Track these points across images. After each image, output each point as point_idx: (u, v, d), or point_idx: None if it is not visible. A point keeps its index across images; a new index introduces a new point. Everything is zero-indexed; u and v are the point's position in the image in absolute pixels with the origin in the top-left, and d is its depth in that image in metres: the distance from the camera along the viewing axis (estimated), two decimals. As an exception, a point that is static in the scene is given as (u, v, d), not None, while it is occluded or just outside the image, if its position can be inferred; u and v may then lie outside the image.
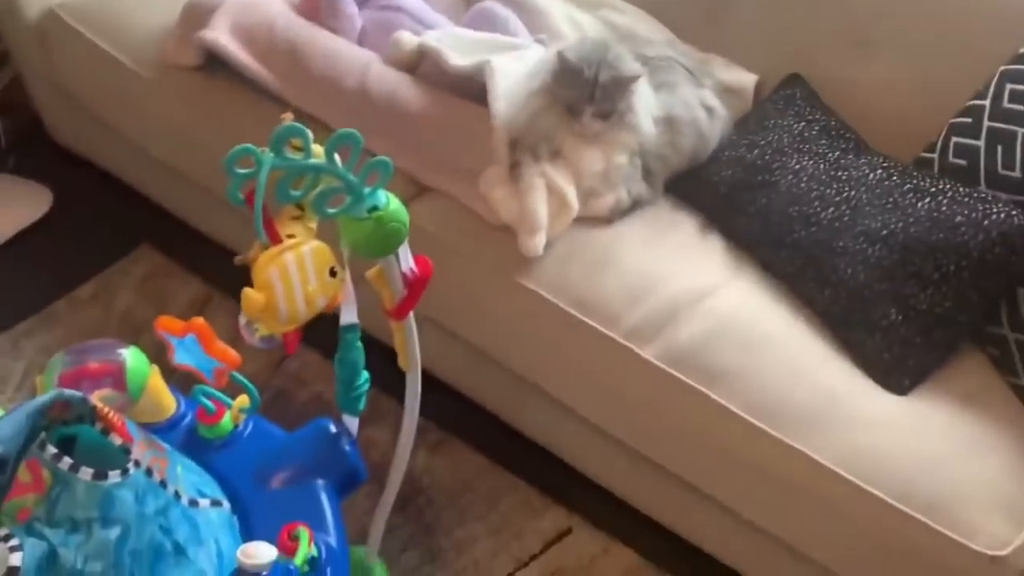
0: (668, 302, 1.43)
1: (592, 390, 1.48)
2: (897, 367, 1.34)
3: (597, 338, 1.42)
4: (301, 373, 1.91)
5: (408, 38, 1.71)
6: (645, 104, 1.54)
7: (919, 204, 1.40)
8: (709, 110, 1.62)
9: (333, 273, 1.06)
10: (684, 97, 1.61)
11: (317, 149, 1.01)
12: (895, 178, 1.46)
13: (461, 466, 1.76)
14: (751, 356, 1.36)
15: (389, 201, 1.07)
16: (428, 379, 1.79)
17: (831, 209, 1.44)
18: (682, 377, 1.36)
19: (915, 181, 1.44)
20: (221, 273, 1.90)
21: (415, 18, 1.79)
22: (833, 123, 1.61)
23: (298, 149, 1.00)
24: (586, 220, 1.54)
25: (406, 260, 1.16)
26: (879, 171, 1.48)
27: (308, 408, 1.85)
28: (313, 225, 1.13)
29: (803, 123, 1.60)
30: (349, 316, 1.17)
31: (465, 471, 1.75)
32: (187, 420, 1.30)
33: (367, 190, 1.05)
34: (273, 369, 1.91)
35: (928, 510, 1.22)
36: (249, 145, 0.95)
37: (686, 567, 1.61)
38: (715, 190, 1.57)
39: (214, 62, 1.78)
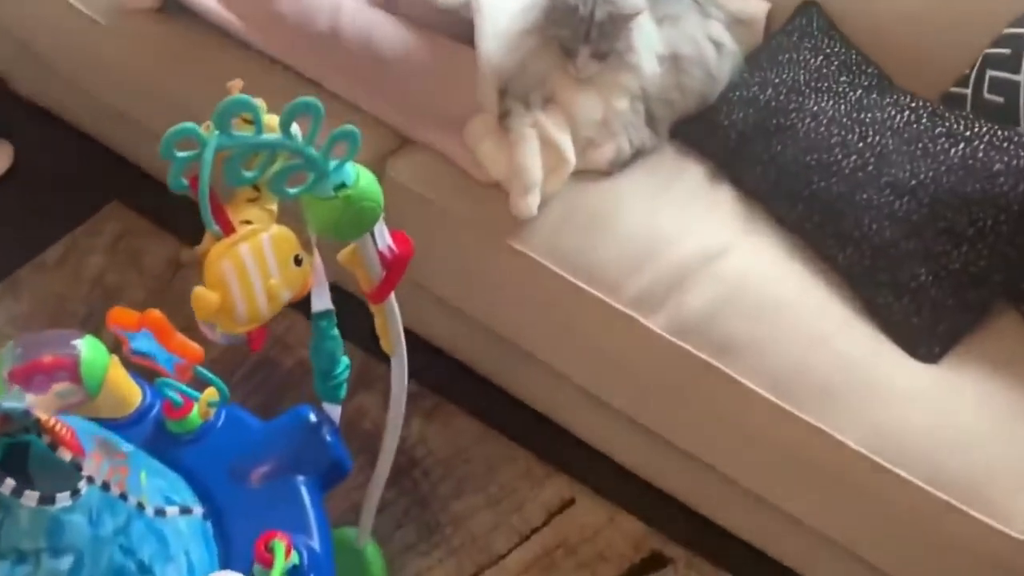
0: (674, 266, 1.30)
1: (593, 362, 1.37)
2: (926, 333, 1.23)
3: (598, 307, 1.30)
4: (286, 337, 1.80)
5: None
6: (647, 41, 1.39)
7: (952, 151, 1.26)
8: (718, 45, 1.47)
9: (299, 261, 0.94)
10: (690, 31, 1.45)
11: (271, 121, 0.88)
12: (924, 121, 1.32)
13: (457, 434, 1.66)
14: (765, 324, 1.25)
15: (359, 176, 0.94)
16: (418, 341, 1.70)
17: (853, 157, 1.31)
18: (691, 349, 1.25)
19: (947, 124, 1.30)
20: (198, 228, 1.78)
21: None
22: (853, 56, 1.46)
23: (249, 123, 0.87)
24: (584, 173, 1.41)
25: (383, 238, 1.04)
26: (906, 112, 1.34)
27: (294, 375, 1.75)
28: (273, 207, 1.00)
29: (820, 57, 1.45)
30: (321, 302, 1.05)
31: (461, 439, 1.66)
32: (154, 412, 1.20)
33: (332, 164, 0.92)
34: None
35: (960, 492, 1.12)
36: (190, 124, 0.82)
37: (697, 536, 1.53)
38: (725, 136, 1.43)
39: (174, 4, 1.62)
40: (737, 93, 1.46)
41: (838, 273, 1.30)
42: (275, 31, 1.55)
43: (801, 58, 1.46)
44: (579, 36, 1.33)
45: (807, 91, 1.40)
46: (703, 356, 1.24)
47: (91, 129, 2.02)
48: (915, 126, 1.32)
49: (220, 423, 1.20)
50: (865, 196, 1.28)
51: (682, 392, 1.28)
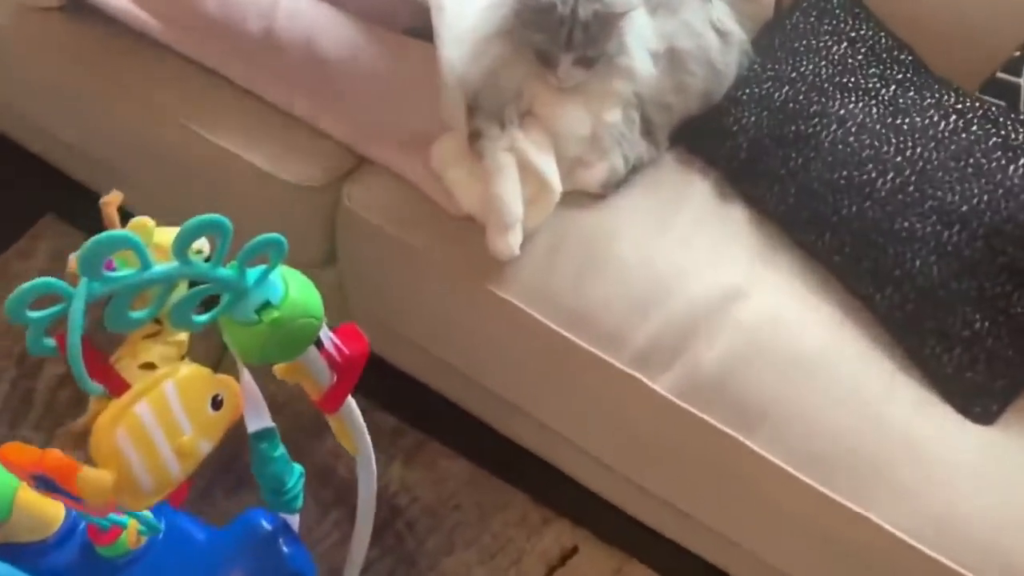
0: (683, 313, 1.11)
1: (591, 423, 1.19)
2: (982, 389, 1.05)
3: (595, 364, 1.12)
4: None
5: None
6: (640, 39, 1.16)
7: (1011, 168, 1.06)
8: (722, 34, 1.24)
9: (218, 403, 0.75)
10: (689, 20, 1.22)
11: (164, 238, 0.68)
12: (975, 128, 1.11)
13: (443, 477, 1.50)
14: (791, 384, 1.06)
15: (288, 289, 0.75)
16: (395, 372, 1.52)
17: (890, 175, 1.10)
18: (706, 417, 1.07)
19: (1003, 132, 1.09)
20: None
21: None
22: (883, 40, 1.24)
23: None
24: (573, 196, 1.20)
25: (328, 338, 0.84)
26: (952, 117, 1.13)
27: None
28: (181, 337, 0.80)
29: (844, 44, 1.23)
30: (258, 421, 0.86)
31: (448, 483, 1.49)
32: (81, 528, 1.02)
33: (252, 278, 0.72)
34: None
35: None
36: (48, 279, 0.63)
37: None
38: (734, 144, 1.22)
39: (83, 4, 1.38)
40: (747, 91, 1.24)
41: (875, 315, 1.11)
42: (199, 34, 1.31)
43: (822, 44, 1.23)
44: (559, 41, 1.11)
45: (831, 89, 1.19)
46: (719, 425, 1.06)
47: (15, 136, 1.79)
48: (964, 135, 1.11)
49: (161, 536, 1.02)
50: (906, 224, 1.07)
51: (696, 463, 1.10)
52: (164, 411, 0.71)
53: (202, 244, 0.79)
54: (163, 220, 0.95)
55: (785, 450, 1.03)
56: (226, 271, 0.70)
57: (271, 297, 0.73)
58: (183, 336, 0.81)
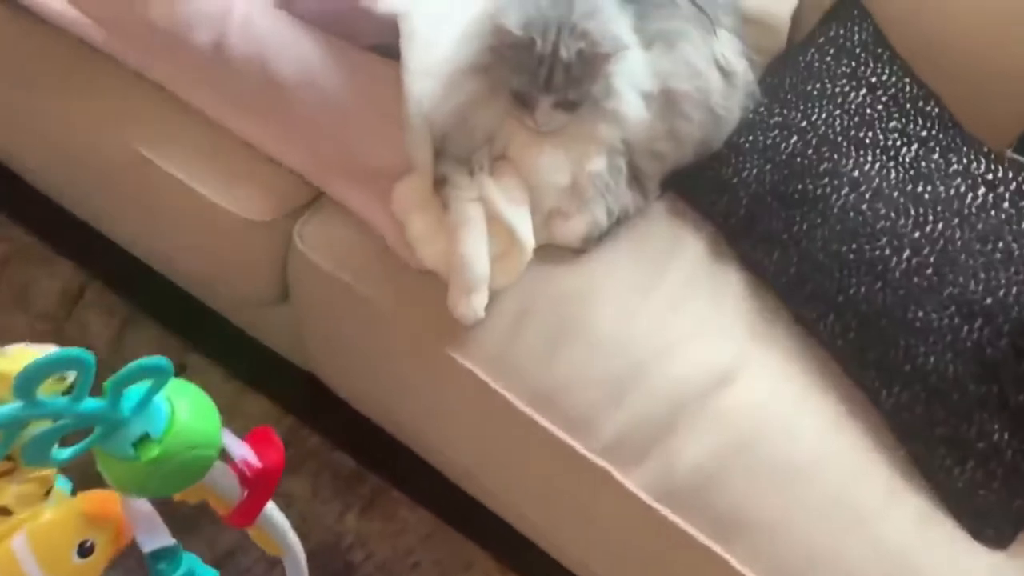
0: (663, 398, 0.98)
1: (557, 511, 1.07)
2: (997, 510, 0.93)
3: (561, 450, 0.99)
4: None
5: None
6: (631, 79, 1.02)
7: (1046, 256, 0.93)
8: (727, 74, 1.10)
9: (87, 549, 0.63)
10: (689, 57, 1.08)
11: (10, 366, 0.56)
12: (1006, 205, 0.97)
13: (402, 530, 1.38)
14: (779, 492, 0.94)
15: (175, 417, 0.63)
16: (349, 411, 1.39)
17: (906, 254, 0.96)
18: (680, 523, 0.94)
19: (1041, 212, 0.95)
20: (100, 255, 1.46)
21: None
22: (908, 88, 1.10)
23: None
24: (548, 249, 1.07)
25: (237, 449, 0.73)
26: (981, 189, 0.99)
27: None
28: (46, 472, 0.68)
29: (863, 90, 1.09)
30: (153, 540, 0.74)
31: (408, 537, 1.38)
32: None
33: (128, 406, 0.60)
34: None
35: None
36: None
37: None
38: (733, 199, 1.08)
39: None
40: (750, 138, 1.10)
41: (879, 412, 0.98)
42: (143, 44, 1.17)
43: (838, 90, 1.09)
44: (538, 82, 0.97)
45: (844, 143, 1.05)
46: (696, 534, 0.94)
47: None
48: (994, 213, 0.97)
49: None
50: (921, 314, 0.94)
51: (666, 568, 0.98)
52: (11, 570, 0.59)
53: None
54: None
55: (766, 568, 0.91)
56: (93, 403, 0.57)
57: (152, 429, 0.61)
58: (50, 470, 0.69)
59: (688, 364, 1.00)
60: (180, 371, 1.58)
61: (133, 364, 0.59)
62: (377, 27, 1.12)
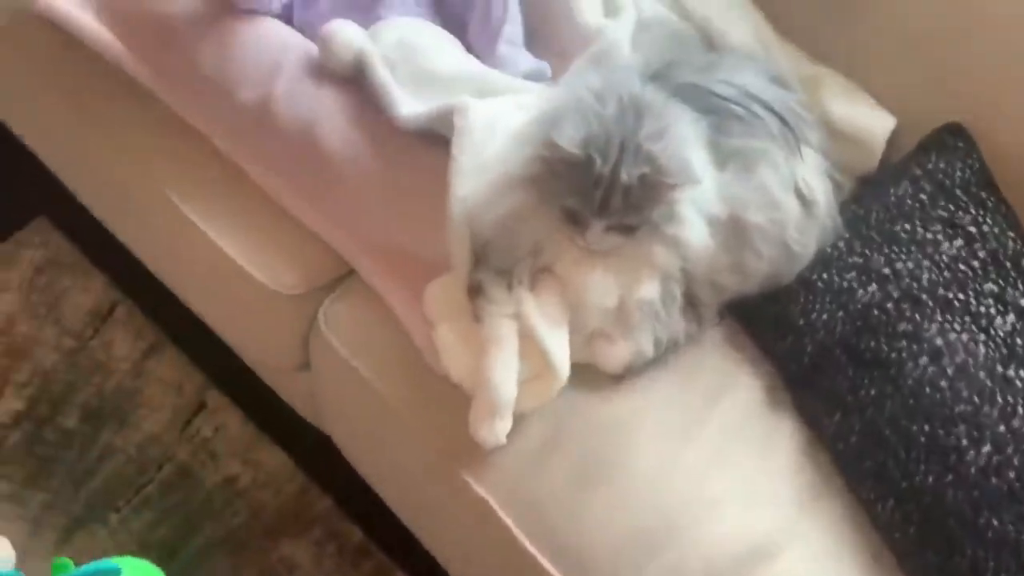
0: (695, 569, 0.89)
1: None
2: None
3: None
4: (213, 443, 1.44)
5: (346, 37, 1.06)
6: (699, 203, 0.92)
7: None
8: (807, 203, 0.99)
9: None
10: (767, 183, 0.97)
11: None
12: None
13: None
14: None
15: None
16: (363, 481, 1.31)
17: (986, 448, 0.85)
18: None
19: None
20: (134, 275, 1.41)
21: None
22: (1012, 244, 0.97)
23: None
24: (583, 370, 0.98)
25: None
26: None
27: (216, 499, 1.40)
28: None
29: (959, 240, 0.97)
30: None
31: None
32: None
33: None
34: (178, 432, 1.45)
35: None
36: None
37: None
38: (797, 342, 0.98)
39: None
40: (824, 276, 0.99)
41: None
42: (189, 89, 1.11)
43: (930, 236, 0.97)
44: (592, 204, 0.88)
45: (930, 303, 0.93)
46: None
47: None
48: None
49: None
50: (995, 523, 0.83)
51: None
52: None
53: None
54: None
55: None
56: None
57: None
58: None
59: (726, 530, 0.91)
60: (199, 409, 1.54)
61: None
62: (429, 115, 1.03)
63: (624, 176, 0.86)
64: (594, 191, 0.87)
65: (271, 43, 1.10)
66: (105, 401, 1.45)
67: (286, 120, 1.07)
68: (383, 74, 1.04)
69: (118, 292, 1.56)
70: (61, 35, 1.16)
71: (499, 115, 0.99)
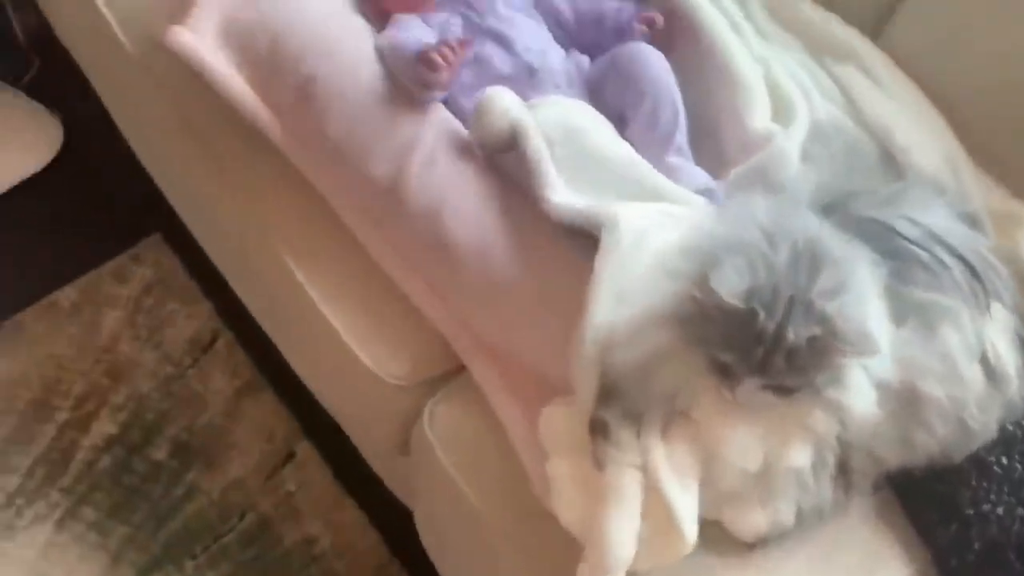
0: None
1: None
2: None
3: None
4: (297, 498, 1.39)
5: (504, 103, 0.98)
6: (870, 369, 0.80)
7: None
8: (993, 376, 0.85)
9: None
10: (950, 349, 0.84)
11: None
12: None
13: None
14: None
15: None
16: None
17: None
18: None
19: None
20: (238, 305, 1.36)
21: (519, 60, 1.05)
22: None
23: None
24: (710, 529, 0.87)
25: None
26: None
27: (292, 558, 1.34)
28: None
29: None
30: None
31: None
32: None
33: None
34: (263, 480, 1.40)
35: None
36: None
37: None
38: (963, 534, 0.84)
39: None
40: (1004, 460, 0.85)
41: None
42: (317, 154, 1.05)
43: None
44: (750, 362, 0.76)
45: None
46: None
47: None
48: None
49: None
50: None
51: None
52: None
53: None
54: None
55: None
56: None
57: None
58: None
59: None
60: (288, 458, 1.49)
61: None
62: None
63: (791, 336, 0.75)
64: (754, 347, 0.76)
65: (410, 115, 1.02)
66: (195, 436, 1.42)
67: (417, 200, 0.99)
68: (539, 147, 0.94)
69: (222, 323, 1.52)
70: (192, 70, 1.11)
71: (650, 228, 0.88)
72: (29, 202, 1.65)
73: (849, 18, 1.13)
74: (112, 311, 1.53)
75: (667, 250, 0.85)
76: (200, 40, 1.06)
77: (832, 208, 0.85)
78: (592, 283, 0.86)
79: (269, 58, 1.06)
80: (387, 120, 1.01)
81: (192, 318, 1.53)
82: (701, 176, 0.98)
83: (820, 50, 1.09)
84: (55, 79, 1.69)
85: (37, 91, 1.77)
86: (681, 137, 0.99)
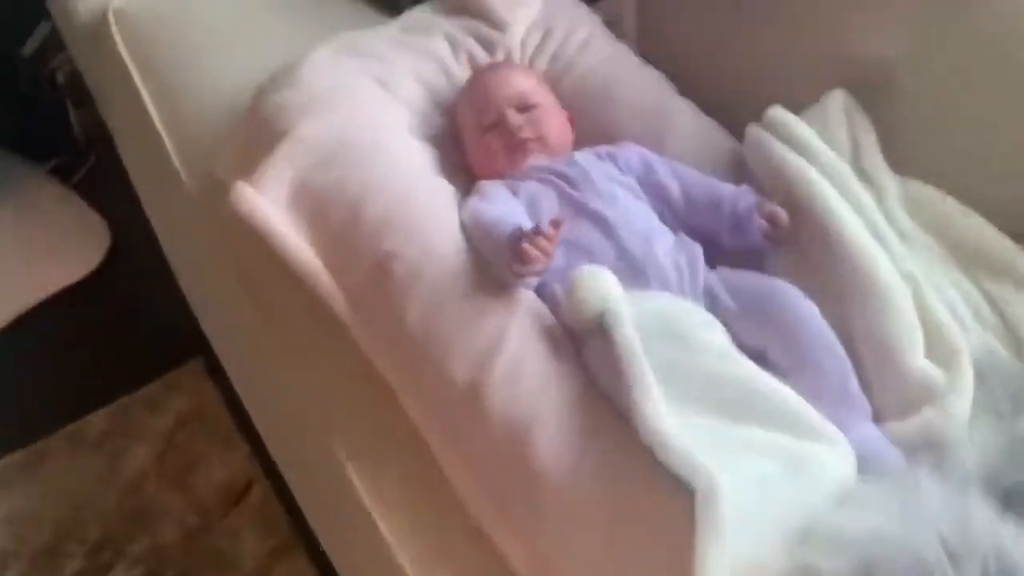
0: None
1: None
2: None
3: None
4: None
5: (597, 283, 0.85)
6: None
7: None
8: None
9: None
10: None
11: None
12: None
13: None
14: None
15: None
16: None
17: None
18: None
19: None
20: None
21: (619, 245, 0.91)
22: None
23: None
24: None
25: None
26: None
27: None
28: None
29: None
30: None
31: None
32: None
33: None
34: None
35: None
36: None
37: None
38: None
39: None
40: None
41: None
42: (391, 348, 0.91)
43: None
44: None
45: None
46: None
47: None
48: None
49: None
50: None
51: None
52: None
53: None
54: None
55: None
56: None
57: None
58: None
59: None
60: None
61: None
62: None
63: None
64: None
65: (496, 304, 0.88)
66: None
67: (500, 414, 0.84)
68: (629, 336, 0.79)
69: (256, 468, 1.38)
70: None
71: (768, 485, 0.72)
72: (62, 310, 1.55)
73: (996, 221, 0.97)
74: (140, 446, 1.41)
75: (793, 525, 0.69)
76: (268, 204, 0.94)
77: (1011, 496, 0.70)
78: (693, 561, 0.70)
79: (343, 231, 0.93)
80: (473, 313, 0.87)
81: (226, 463, 1.40)
82: (892, 454, 0.78)
83: (971, 262, 0.94)
84: (106, 177, 1.60)
85: (87, 188, 1.69)
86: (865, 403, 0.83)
